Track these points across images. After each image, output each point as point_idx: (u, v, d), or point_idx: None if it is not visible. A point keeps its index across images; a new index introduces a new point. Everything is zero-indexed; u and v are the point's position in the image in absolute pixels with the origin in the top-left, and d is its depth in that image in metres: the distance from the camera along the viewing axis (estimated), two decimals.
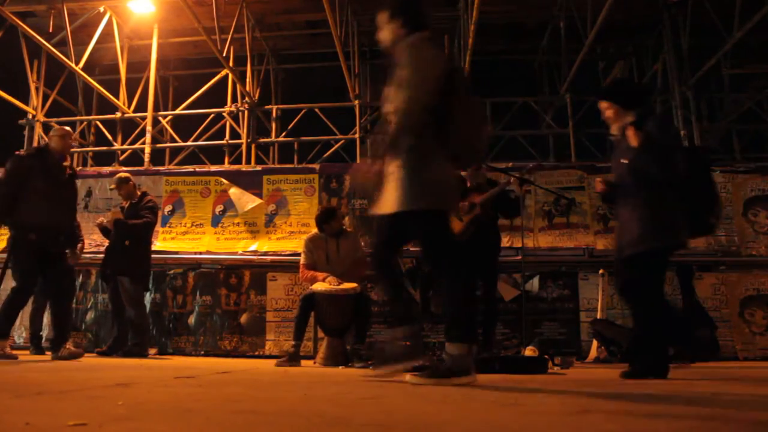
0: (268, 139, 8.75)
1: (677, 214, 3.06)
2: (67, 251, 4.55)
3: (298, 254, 5.19)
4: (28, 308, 5.03)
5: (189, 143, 8.86)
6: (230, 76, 8.49)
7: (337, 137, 8.59)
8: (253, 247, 6.61)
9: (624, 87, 3.50)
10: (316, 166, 7.10)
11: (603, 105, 3.28)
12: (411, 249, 6.41)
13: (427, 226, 2.44)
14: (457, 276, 2.42)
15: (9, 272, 4.35)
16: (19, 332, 6.15)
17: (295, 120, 8.72)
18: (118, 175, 5.50)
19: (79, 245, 5.42)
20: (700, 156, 3.46)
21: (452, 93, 2.40)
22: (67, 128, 4.69)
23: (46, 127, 8.80)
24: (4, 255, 4.37)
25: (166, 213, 6.82)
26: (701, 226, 3.23)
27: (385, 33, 2.57)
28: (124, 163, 8.66)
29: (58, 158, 4.39)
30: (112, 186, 5.50)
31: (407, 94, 2.35)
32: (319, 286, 4.57)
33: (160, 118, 8.84)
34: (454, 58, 2.31)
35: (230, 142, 8.65)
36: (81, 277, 6.42)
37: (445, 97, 2.38)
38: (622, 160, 3.20)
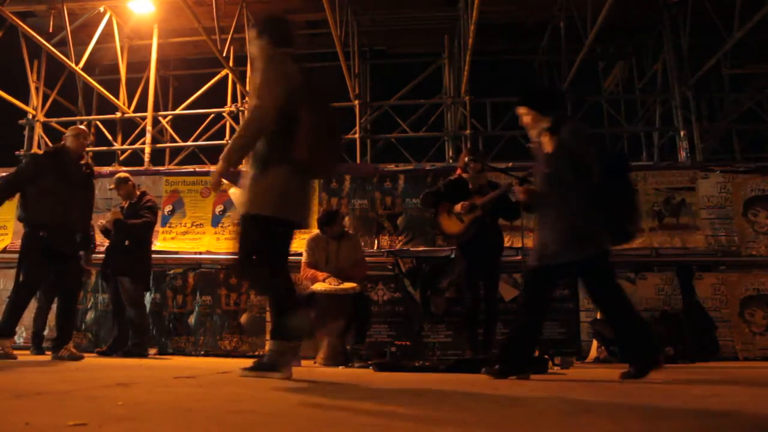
0: None
1: (595, 222, 2.96)
2: (81, 252, 4.58)
3: (298, 254, 5.19)
4: (29, 308, 5.03)
5: (189, 143, 8.85)
6: (230, 76, 8.49)
7: None
8: None
9: (541, 92, 3.45)
10: None
11: (520, 111, 3.22)
12: (411, 249, 6.44)
13: (246, 229, 2.60)
14: (266, 285, 2.68)
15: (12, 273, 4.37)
16: (19, 332, 6.13)
17: None
18: (116, 176, 5.50)
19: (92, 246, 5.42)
20: (618, 162, 3.30)
21: (303, 107, 2.55)
22: (82, 127, 4.71)
23: (46, 127, 8.80)
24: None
25: (166, 213, 6.81)
26: (620, 234, 3.10)
27: (254, 48, 2.79)
28: (124, 163, 8.65)
29: (75, 158, 4.39)
30: (111, 186, 5.50)
31: (255, 103, 2.56)
32: (319, 286, 4.57)
33: (160, 118, 8.84)
34: (312, 75, 2.64)
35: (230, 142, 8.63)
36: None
37: (294, 110, 2.54)
38: (539, 168, 3.13)
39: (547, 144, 3.04)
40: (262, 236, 2.58)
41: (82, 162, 4.48)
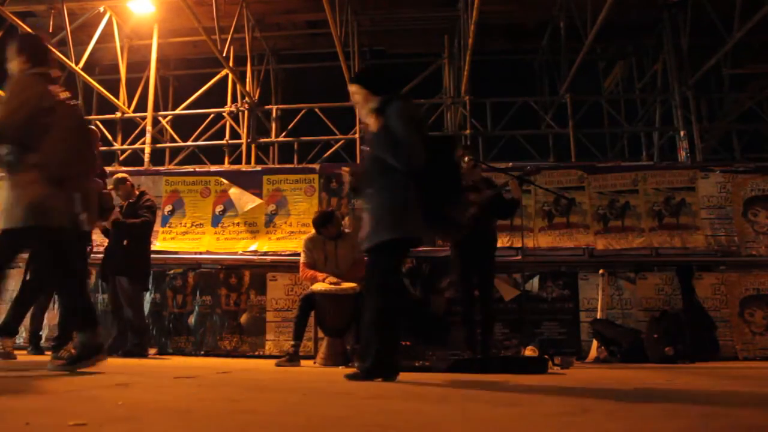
0: (268, 139, 8.74)
1: (410, 206, 2.79)
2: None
3: (298, 254, 5.19)
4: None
5: (189, 143, 8.85)
6: (230, 76, 8.49)
7: (337, 137, 8.58)
8: (253, 247, 6.61)
9: (373, 72, 3.35)
10: (316, 166, 7.09)
11: (352, 89, 3.09)
12: (411, 249, 6.44)
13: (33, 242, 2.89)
14: (62, 285, 2.91)
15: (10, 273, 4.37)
16: (19, 332, 6.13)
17: (295, 120, 8.71)
18: (115, 176, 5.49)
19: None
20: (444, 145, 3.14)
21: (54, 123, 2.77)
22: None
23: None
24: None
25: (166, 213, 6.81)
26: (440, 219, 2.95)
27: (12, 65, 2.94)
28: (124, 163, 8.65)
29: None
30: (110, 187, 5.50)
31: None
32: (318, 286, 4.57)
33: (160, 118, 8.84)
34: (70, 94, 2.97)
35: (230, 142, 8.64)
36: None
37: (44, 126, 2.76)
38: (364, 148, 3.03)
39: (373, 124, 2.94)
40: (48, 244, 2.84)
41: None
